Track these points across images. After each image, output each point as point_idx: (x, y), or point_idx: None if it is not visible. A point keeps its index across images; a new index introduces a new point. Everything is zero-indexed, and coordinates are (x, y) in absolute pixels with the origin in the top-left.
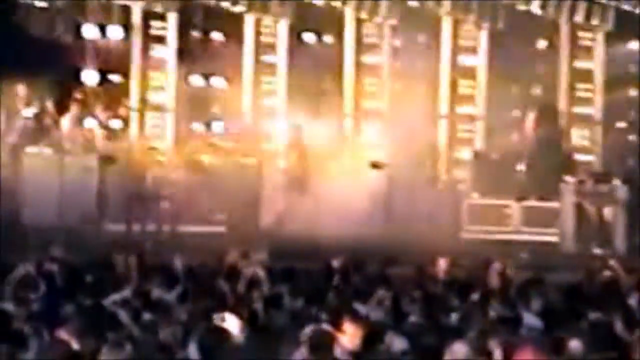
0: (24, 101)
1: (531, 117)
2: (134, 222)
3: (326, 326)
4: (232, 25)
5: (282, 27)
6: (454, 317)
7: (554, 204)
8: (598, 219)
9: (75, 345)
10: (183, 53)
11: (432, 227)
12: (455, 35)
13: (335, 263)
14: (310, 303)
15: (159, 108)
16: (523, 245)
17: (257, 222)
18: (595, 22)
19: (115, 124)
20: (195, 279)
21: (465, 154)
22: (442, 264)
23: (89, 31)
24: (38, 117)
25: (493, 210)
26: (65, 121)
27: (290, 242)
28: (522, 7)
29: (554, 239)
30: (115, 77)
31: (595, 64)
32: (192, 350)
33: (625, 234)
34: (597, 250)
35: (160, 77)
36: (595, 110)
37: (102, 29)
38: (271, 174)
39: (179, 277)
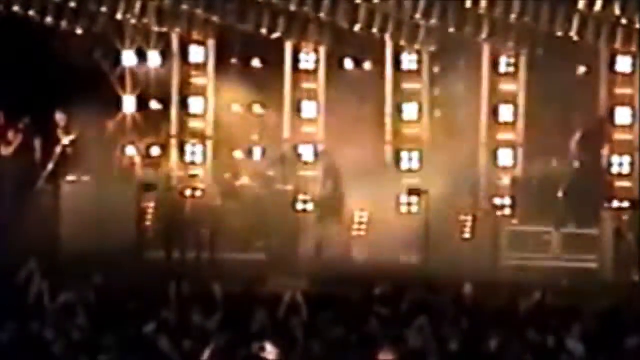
0: (64, 129)
1: (573, 143)
2: (174, 250)
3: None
4: (271, 51)
5: (321, 54)
6: (493, 344)
7: (593, 231)
8: (637, 246)
9: None
10: (223, 80)
11: (472, 254)
12: (494, 61)
13: (376, 290)
14: (350, 331)
15: (198, 135)
16: (563, 272)
17: (296, 249)
18: (634, 47)
19: (155, 151)
20: (235, 307)
21: (505, 180)
22: (481, 291)
23: (128, 58)
24: (77, 144)
25: (533, 237)
26: (105, 149)
27: (329, 269)
28: (560, 33)
29: (593, 265)
30: (155, 105)
31: (634, 89)
32: None
33: None
34: (636, 277)
35: (200, 104)
36: (634, 136)
37: (141, 55)
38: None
39: (219, 304)
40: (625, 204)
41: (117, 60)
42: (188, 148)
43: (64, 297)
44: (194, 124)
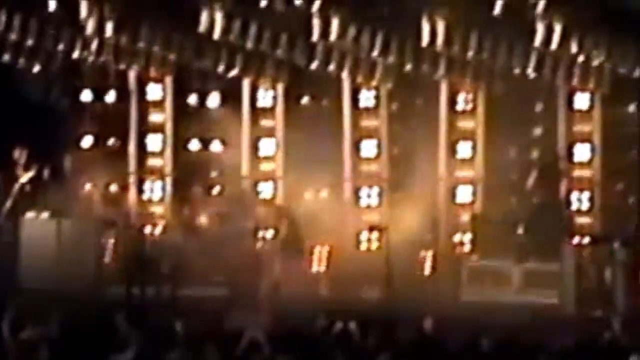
0: (22, 166)
1: (531, 179)
2: (134, 286)
3: None
4: (229, 88)
5: (279, 91)
6: None
7: (554, 266)
8: (598, 281)
9: None
10: (180, 117)
11: (433, 290)
12: (452, 99)
13: (336, 327)
14: None
15: (157, 172)
16: (524, 307)
17: (256, 285)
18: (591, 85)
19: (114, 188)
20: (195, 343)
21: (464, 217)
22: (442, 326)
23: (86, 95)
24: (35, 182)
25: (493, 273)
26: (63, 186)
27: (289, 305)
28: (518, 71)
29: (555, 301)
30: (112, 142)
31: (593, 127)
32: None
33: (625, 295)
34: (598, 313)
35: (158, 141)
36: (593, 172)
37: (99, 93)
38: (267, 238)
39: (180, 340)
40: (586, 240)
41: (75, 97)
42: (147, 185)
43: (24, 334)
44: (152, 161)
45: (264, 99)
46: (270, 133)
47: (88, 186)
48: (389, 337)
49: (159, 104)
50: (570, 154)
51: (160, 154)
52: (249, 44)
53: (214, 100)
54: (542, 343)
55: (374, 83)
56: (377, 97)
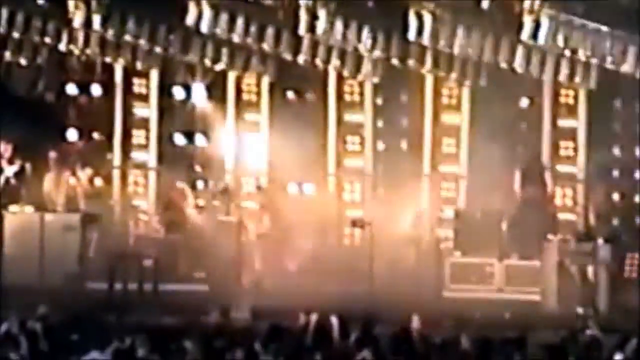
0: (7, 159)
1: (516, 175)
2: (116, 281)
3: None
4: (214, 82)
5: (264, 85)
6: None
7: (536, 263)
8: (580, 279)
9: None
10: (165, 111)
11: (414, 286)
12: (437, 93)
13: (319, 321)
14: None
15: (141, 166)
16: (506, 304)
17: (238, 281)
18: (578, 80)
19: (98, 182)
20: (178, 337)
21: (448, 212)
22: (424, 322)
23: (71, 89)
24: (20, 175)
25: (475, 269)
26: (47, 179)
27: (271, 300)
28: (504, 65)
29: (536, 297)
30: (97, 135)
31: (579, 123)
32: None
33: (607, 293)
34: (580, 310)
35: (143, 135)
36: (578, 169)
37: (84, 86)
38: (250, 233)
39: (161, 335)
40: (569, 236)
41: (61, 91)
42: (131, 179)
43: (5, 326)
44: (136, 154)
45: (249, 92)
46: (256, 127)
47: (72, 180)
48: (370, 333)
49: (144, 98)
50: (555, 149)
51: (145, 147)
52: (235, 37)
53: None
54: (523, 340)
55: (359, 77)
56: (361, 92)
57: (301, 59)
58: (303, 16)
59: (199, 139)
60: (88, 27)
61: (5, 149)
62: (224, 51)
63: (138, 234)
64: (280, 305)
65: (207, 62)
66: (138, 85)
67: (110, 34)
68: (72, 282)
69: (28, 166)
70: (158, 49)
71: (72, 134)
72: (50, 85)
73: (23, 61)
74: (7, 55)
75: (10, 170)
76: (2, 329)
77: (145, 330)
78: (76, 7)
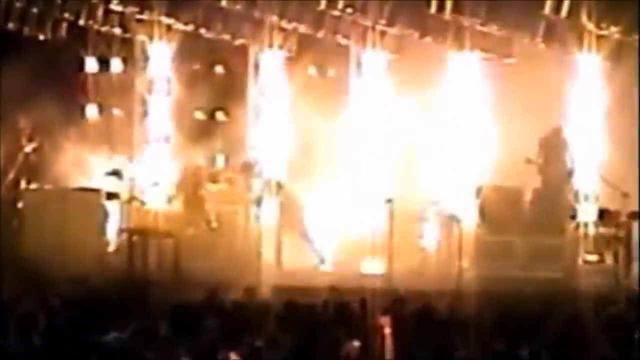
0: (27, 136)
1: (538, 152)
2: (137, 258)
3: None
4: (235, 58)
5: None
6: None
7: (558, 241)
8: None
9: None
10: (185, 86)
11: (437, 263)
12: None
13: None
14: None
15: (161, 142)
16: (528, 281)
17: (258, 258)
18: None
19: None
20: (198, 315)
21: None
22: (446, 300)
23: (91, 64)
24: (40, 152)
25: (499, 246)
26: (67, 156)
27: (291, 279)
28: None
29: (558, 275)
30: (117, 112)
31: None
32: None
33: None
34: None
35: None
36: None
37: (104, 62)
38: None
39: (183, 314)
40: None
41: (80, 67)
42: (150, 156)
43: (25, 305)
44: (156, 131)
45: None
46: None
47: (92, 156)
48: (392, 311)
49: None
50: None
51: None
52: (256, 13)
53: (218, 69)
54: (546, 317)
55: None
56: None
57: (321, 34)
58: None
59: (218, 115)
60: (107, 1)
61: (26, 125)
62: (245, 26)
63: (158, 210)
64: (301, 284)
65: (228, 37)
66: (158, 60)
67: (129, 9)
68: (91, 260)
69: (48, 143)
70: (178, 25)
71: (91, 110)
72: (70, 61)
73: (42, 37)
74: (27, 30)
75: (29, 147)
76: (22, 306)
77: (166, 309)
78: None
